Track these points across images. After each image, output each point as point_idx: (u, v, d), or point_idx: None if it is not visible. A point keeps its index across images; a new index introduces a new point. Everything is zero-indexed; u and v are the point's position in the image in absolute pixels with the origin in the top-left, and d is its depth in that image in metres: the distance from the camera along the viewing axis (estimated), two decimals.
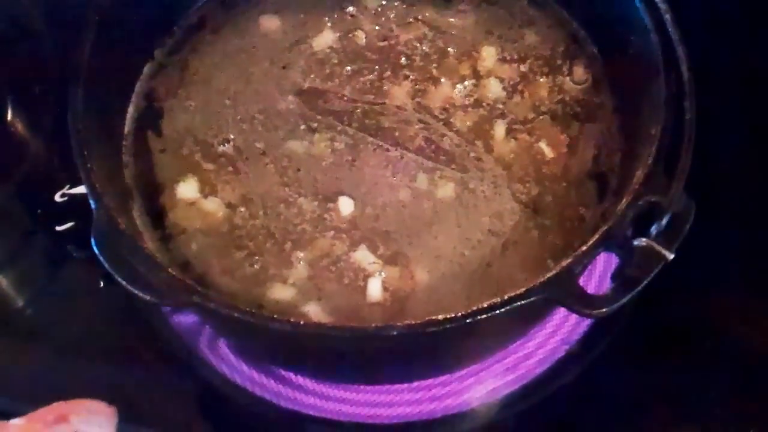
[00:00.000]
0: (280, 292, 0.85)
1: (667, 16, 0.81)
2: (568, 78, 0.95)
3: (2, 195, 1.10)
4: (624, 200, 0.76)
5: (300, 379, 0.96)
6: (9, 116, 1.12)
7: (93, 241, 0.77)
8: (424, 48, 0.98)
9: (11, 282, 1.09)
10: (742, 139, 1.01)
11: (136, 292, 0.74)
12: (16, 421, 0.50)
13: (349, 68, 0.98)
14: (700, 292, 0.94)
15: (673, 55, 0.80)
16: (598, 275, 0.97)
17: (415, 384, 0.95)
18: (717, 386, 0.90)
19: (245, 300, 0.84)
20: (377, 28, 1.00)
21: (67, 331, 1.02)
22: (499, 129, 0.92)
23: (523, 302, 0.72)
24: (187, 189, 0.90)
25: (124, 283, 0.74)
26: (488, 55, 0.97)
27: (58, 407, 0.51)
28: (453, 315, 0.71)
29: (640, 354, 0.94)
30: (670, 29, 0.81)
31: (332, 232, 0.88)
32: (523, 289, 0.72)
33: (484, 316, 0.71)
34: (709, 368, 0.91)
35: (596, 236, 0.75)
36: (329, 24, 1.01)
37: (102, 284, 1.02)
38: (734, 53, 1.03)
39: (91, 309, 1.03)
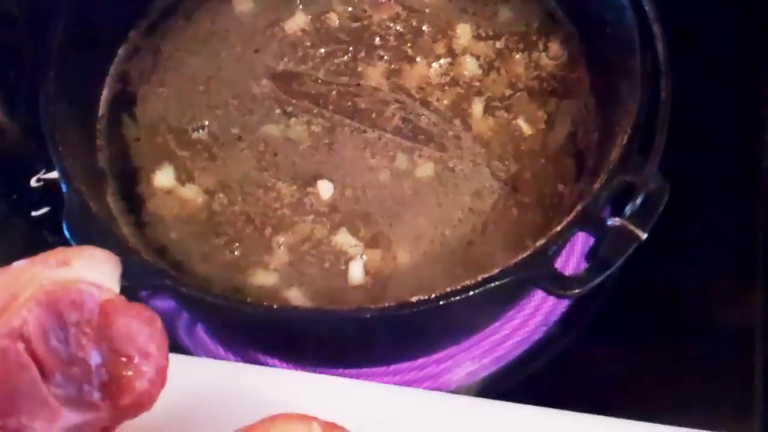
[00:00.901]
0: (262, 278, 0.84)
1: None
2: (543, 54, 0.95)
3: None
4: (598, 180, 0.76)
5: (277, 363, 0.96)
6: None
7: (64, 225, 0.76)
8: (398, 28, 0.98)
9: None
10: (719, 119, 1.00)
11: None
12: (18, 264, 0.50)
13: (322, 50, 0.97)
14: (680, 268, 0.93)
15: (649, 33, 0.79)
16: (578, 255, 0.96)
17: (393, 367, 0.95)
18: (698, 361, 0.90)
19: (227, 287, 0.83)
20: (350, 9, 0.99)
21: None
22: (477, 107, 0.92)
23: (496, 283, 0.72)
24: (164, 177, 0.89)
25: None
26: (463, 32, 0.96)
27: (60, 251, 0.51)
28: (426, 297, 0.71)
29: (621, 333, 0.94)
30: (646, 7, 0.81)
31: (312, 216, 0.87)
32: (497, 270, 0.72)
33: (458, 297, 0.71)
34: (690, 343, 0.91)
35: (570, 217, 0.75)
36: (301, 6, 1.00)
37: None
38: (712, 33, 1.03)
39: None
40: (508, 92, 0.93)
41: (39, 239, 1.06)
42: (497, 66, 0.95)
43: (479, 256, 0.85)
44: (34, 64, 1.08)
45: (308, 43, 0.98)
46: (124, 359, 0.52)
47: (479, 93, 0.93)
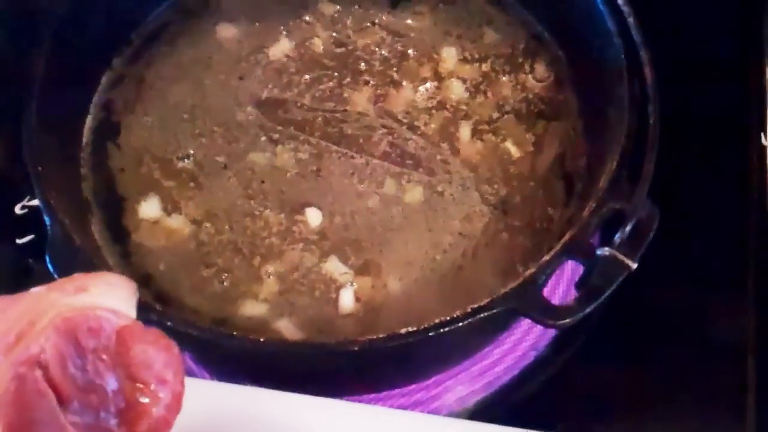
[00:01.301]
0: (252, 309, 0.83)
1: (631, 20, 0.81)
2: (530, 76, 0.95)
3: None
4: (587, 208, 0.76)
5: None
6: None
7: (48, 258, 0.76)
8: (382, 52, 0.97)
9: None
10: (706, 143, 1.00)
11: None
12: (35, 290, 0.50)
13: (307, 76, 0.96)
14: (671, 286, 0.93)
15: (636, 58, 0.79)
16: (566, 281, 0.96)
17: (383, 394, 0.94)
18: (690, 379, 0.90)
19: (216, 318, 0.82)
20: (334, 34, 0.99)
21: None
22: (464, 130, 0.91)
23: (486, 314, 0.72)
24: (150, 208, 0.88)
25: None
26: (449, 56, 0.96)
27: (78, 278, 0.51)
28: (415, 329, 0.71)
29: (612, 354, 0.93)
30: (633, 33, 0.80)
31: (301, 244, 0.86)
32: (486, 301, 0.72)
33: (447, 328, 0.71)
34: (682, 361, 0.91)
35: (559, 245, 0.74)
36: (285, 32, 0.99)
37: None
38: (699, 56, 1.03)
39: None
40: (495, 115, 0.93)
41: (24, 267, 1.05)
42: (484, 89, 0.95)
43: (470, 281, 0.85)
44: (17, 87, 1.07)
45: (293, 70, 0.97)
46: (140, 385, 0.52)
47: (466, 116, 0.93)
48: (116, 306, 0.53)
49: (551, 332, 0.94)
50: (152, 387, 0.52)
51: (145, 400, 0.52)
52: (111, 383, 0.51)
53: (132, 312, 0.55)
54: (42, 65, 0.86)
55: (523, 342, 0.95)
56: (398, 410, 0.82)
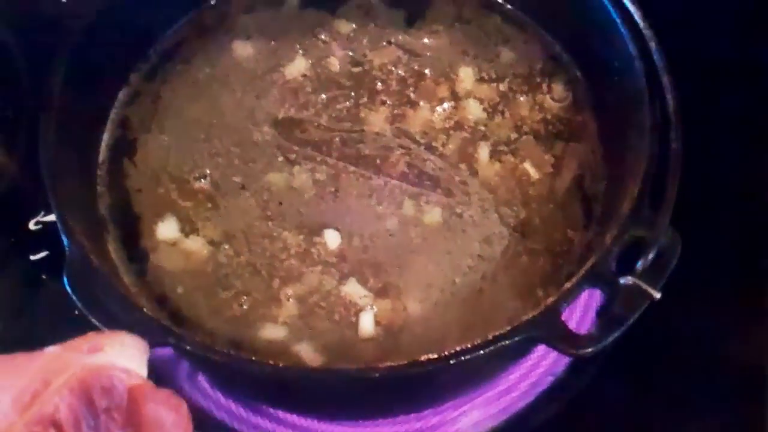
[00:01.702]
0: (271, 332, 0.83)
1: (653, 44, 0.80)
2: (548, 96, 0.94)
3: None
4: (608, 235, 0.75)
5: (279, 413, 0.94)
6: None
7: (66, 281, 0.75)
8: (399, 71, 0.97)
9: None
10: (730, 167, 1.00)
11: None
12: (50, 350, 0.50)
13: (323, 96, 0.96)
14: (688, 310, 0.93)
15: (659, 83, 0.79)
16: (582, 305, 0.96)
17: (400, 418, 0.94)
18: (707, 406, 0.90)
19: (235, 341, 0.82)
20: (350, 53, 0.98)
21: None
22: (483, 151, 0.91)
23: (507, 342, 0.71)
24: (168, 229, 0.88)
25: (98, 324, 0.72)
26: (466, 76, 0.96)
27: (92, 337, 0.52)
28: (437, 356, 0.71)
29: (630, 377, 0.93)
30: (655, 57, 0.80)
31: (320, 267, 0.86)
32: (508, 328, 0.72)
33: (468, 356, 0.71)
34: (699, 389, 0.91)
35: (581, 273, 0.74)
36: (301, 51, 0.99)
37: (77, 312, 0.99)
38: (722, 81, 1.02)
39: (67, 335, 0.99)
40: (513, 136, 0.93)
41: (38, 283, 1.04)
42: (501, 109, 0.94)
43: (490, 304, 0.85)
44: (32, 103, 1.07)
45: (309, 89, 0.97)
46: None
47: (485, 137, 0.92)
48: (129, 365, 0.54)
49: (567, 357, 0.94)
50: None
51: None
52: None
53: (143, 371, 0.55)
54: (60, 80, 0.85)
55: (540, 367, 0.95)
56: None
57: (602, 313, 0.75)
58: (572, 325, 0.87)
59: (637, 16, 0.82)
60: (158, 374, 0.91)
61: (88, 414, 0.49)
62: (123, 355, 0.52)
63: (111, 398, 0.50)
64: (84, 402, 0.48)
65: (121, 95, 0.96)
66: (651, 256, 0.72)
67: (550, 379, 0.94)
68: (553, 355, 0.94)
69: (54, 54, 0.87)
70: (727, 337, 0.92)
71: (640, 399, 0.92)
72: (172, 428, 0.51)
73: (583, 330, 0.92)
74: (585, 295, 0.93)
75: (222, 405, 0.96)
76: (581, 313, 0.96)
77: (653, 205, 0.75)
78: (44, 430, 0.47)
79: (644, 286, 0.71)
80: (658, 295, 0.71)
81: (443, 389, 0.88)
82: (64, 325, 0.95)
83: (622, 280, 0.72)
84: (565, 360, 0.94)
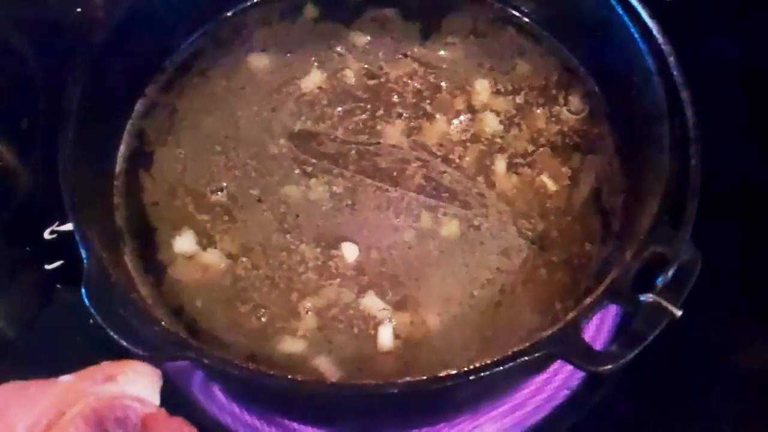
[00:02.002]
0: (290, 346, 0.83)
1: (671, 59, 0.80)
2: (564, 108, 0.94)
3: None
4: (628, 252, 0.75)
5: (294, 425, 0.94)
6: None
7: (84, 294, 0.74)
8: (415, 84, 0.97)
9: (1, 315, 1.05)
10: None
11: (129, 346, 0.71)
12: (65, 379, 0.50)
13: (339, 109, 0.96)
14: (705, 326, 0.92)
15: (677, 99, 0.79)
16: (596, 321, 0.96)
17: (413, 431, 0.93)
18: (727, 420, 0.90)
19: (254, 355, 0.82)
20: (366, 66, 0.99)
21: (57, 366, 0.99)
22: (500, 164, 0.91)
23: (527, 358, 0.71)
24: (185, 242, 0.88)
25: (116, 337, 0.71)
26: (482, 88, 0.96)
27: (106, 367, 0.52)
28: (455, 371, 0.70)
29: (645, 393, 0.93)
30: (674, 72, 0.80)
31: (338, 279, 0.86)
32: (527, 345, 0.71)
33: (487, 372, 0.70)
34: (719, 403, 0.90)
35: (601, 289, 0.74)
36: (316, 64, 0.99)
37: (91, 321, 0.99)
38: (741, 93, 1.02)
39: (81, 344, 0.99)
40: (530, 148, 0.93)
41: (52, 292, 1.04)
42: (518, 121, 0.95)
43: (508, 317, 0.85)
44: (47, 113, 1.07)
45: (325, 102, 0.97)
46: None
47: (501, 149, 0.93)
48: (142, 394, 0.54)
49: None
50: None
51: None
52: None
53: (156, 399, 0.55)
54: (78, 92, 0.86)
55: (555, 381, 0.95)
56: None
57: (622, 329, 0.75)
58: (587, 339, 0.86)
59: (655, 30, 0.82)
60: (173, 384, 0.92)
61: None
62: (136, 384, 0.52)
63: (125, 428, 0.50)
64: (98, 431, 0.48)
65: (138, 107, 0.96)
66: (671, 272, 0.72)
67: (566, 393, 0.94)
68: (569, 369, 0.94)
69: (70, 64, 0.87)
70: (746, 352, 0.92)
71: (657, 413, 0.91)
72: None
73: (597, 344, 0.92)
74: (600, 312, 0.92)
75: (237, 416, 0.96)
76: (596, 327, 0.96)
77: (672, 220, 0.75)
78: None
79: (665, 303, 0.71)
80: (679, 313, 0.71)
81: (460, 403, 0.88)
82: (78, 335, 0.97)
83: (642, 298, 0.72)
84: (581, 374, 0.93)
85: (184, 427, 0.52)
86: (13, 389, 0.50)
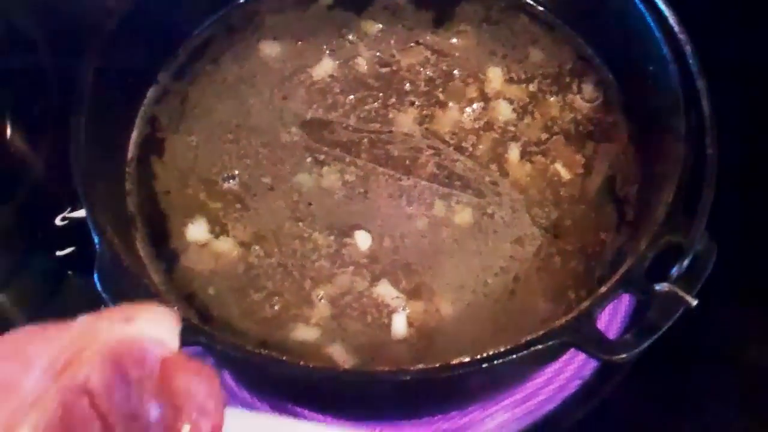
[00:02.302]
0: (304, 333, 0.83)
1: (688, 48, 0.80)
2: (578, 96, 0.94)
3: (1, 216, 1.06)
4: (643, 241, 0.75)
5: (305, 412, 0.94)
6: (8, 135, 1.08)
7: (96, 278, 0.75)
8: (427, 72, 0.97)
9: (11, 301, 1.05)
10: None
11: None
12: (82, 319, 0.50)
13: (351, 97, 0.96)
14: (719, 316, 0.92)
15: (693, 88, 0.78)
16: (609, 310, 0.95)
17: (424, 420, 0.93)
18: (740, 410, 0.89)
19: (267, 342, 0.82)
20: (378, 54, 0.98)
21: None
22: (513, 152, 0.91)
23: (540, 347, 0.71)
24: (198, 230, 0.88)
25: None
26: (495, 76, 0.95)
27: (125, 308, 0.51)
28: (469, 359, 0.70)
29: (658, 383, 0.92)
30: (690, 61, 0.80)
31: (351, 267, 0.86)
32: (541, 333, 0.71)
33: (501, 360, 0.70)
34: (733, 393, 0.90)
35: (615, 278, 0.74)
36: (328, 52, 0.99)
37: (103, 307, 0.99)
38: (755, 82, 1.02)
39: None
40: (543, 136, 0.92)
41: (64, 279, 1.04)
42: (531, 109, 0.94)
43: (522, 306, 0.84)
44: (59, 98, 1.06)
45: (337, 90, 0.96)
46: (182, 415, 0.52)
47: (515, 138, 0.92)
48: (161, 336, 0.53)
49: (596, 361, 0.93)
50: (193, 417, 0.52)
51: (186, 429, 0.51)
52: (154, 412, 0.51)
53: (175, 342, 0.55)
54: (91, 78, 0.85)
55: (567, 371, 0.95)
56: None
57: (636, 319, 0.75)
58: (600, 328, 0.86)
59: (671, 19, 0.82)
60: None
61: (119, 383, 0.49)
62: (155, 326, 0.52)
63: (143, 368, 0.50)
64: (116, 371, 0.49)
65: (150, 93, 0.96)
66: (686, 262, 0.72)
67: (578, 382, 0.93)
68: (581, 358, 0.93)
69: (81, 50, 0.87)
70: (762, 343, 0.92)
71: (670, 404, 0.91)
72: (205, 399, 0.51)
73: (610, 334, 0.92)
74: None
75: (248, 403, 0.95)
76: (609, 316, 0.95)
77: (687, 210, 0.75)
78: (77, 397, 0.47)
79: (680, 292, 0.71)
80: (694, 302, 0.71)
81: (472, 391, 0.88)
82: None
83: (657, 287, 0.72)
84: (593, 363, 0.93)
85: (203, 370, 0.52)
86: (31, 331, 0.50)
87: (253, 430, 0.71)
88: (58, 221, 1.04)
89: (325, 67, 0.98)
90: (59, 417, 0.47)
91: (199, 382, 0.53)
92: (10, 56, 1.08)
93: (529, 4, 1.00)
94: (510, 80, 0.96)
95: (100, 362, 0.49)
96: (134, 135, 0.93)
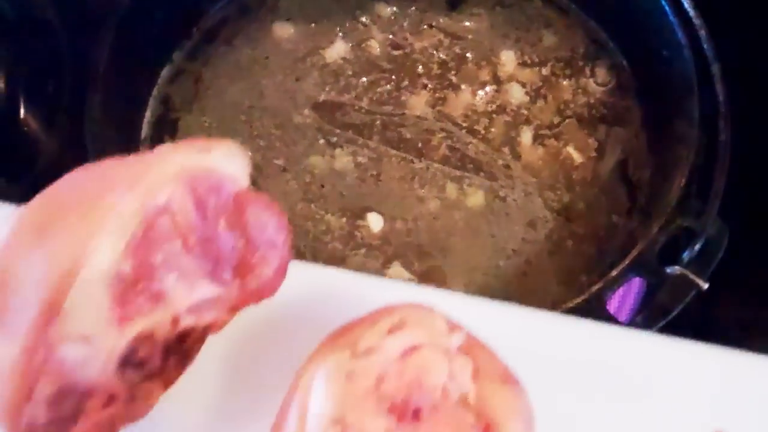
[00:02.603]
0: None
1: (702, 32, 0.80)
2: (591, 80, 0.94)
3: (14, 197, 1.06)
4: (655, 225, 0.76)
5: None
6: (22, 114, 1.08)
7: None
8: (440, 55, 0.97)
9: None
10: None
11: None
12: (162, 147, 0.52)
13: (364, 79, 0.96)
14: (726, 303, 0.92)
15: (707, 72, 0.78)
16: (619, 294, 0.95)
17: None
18: None
19: None
20: (391, 36, 0.98)
21: None
22: (526, 135, 0.91)
23: None
24: None
25: None
26: (508, 59, 0.95)
27: (202, 140, 0.53)
28: None
29: None
30: (704, 46, 0.80)
31: (364, 250, 0.86)
32: None
33: None
34: None
35: (626, 261, 0.74)
36: (341, 34, 0.98)
37: None
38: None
39: None
40: (556, 119, 0.92)
41: None
42: (544, 93, 0.94)
43: (533, 288, 0.85)
44: (73, 76, 1.06)
45: (350, 72, 0.96)
46: (253, 246, 0.53)
47: (527, 121, 0.92)
48: (234, 172, 0.54)
49: None
50: (263, 249, 0.53)
51: (257, 260, 0.53)
52: (227, 240, 0.52)
53: (245, 180, 0.56)
54: (105, 57, 0.86)
55: None
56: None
57: (646, 302, 0.75)
58: (611, 310, 0.86)
59: (686, 3, 0.82)
60: None
61: (197, 207, 0.51)
62: (229, 161, 0.53)
63: (218, 197, 0.51)
64: (195, 195, 0.50)
65: (164, 73, 0.96)
66: (698, 246, 0.72)
67: None
68: None
69: (96, 29, 0.87)
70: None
71: None
72: (274, 233, 0.53)
73: (621, 316, 0.92)
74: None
75: None
76: (619, 300, 0.96)
77: (699, 194, 0.75)
78: (159, 215, 0.49)
79: (691, 276, 0.71)
80: (705, 286, 0.71)
81: None
82: None
83: (669, 270, 0.72)
84: None
85: (273, 205, 0.54)
86: (112, 160, 0.51)
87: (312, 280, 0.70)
88: None
89: (338, 50, 0.98)
90: (142, 231, 0.48)
91: (270, 217, 0.54)
92: (24, 35, 1.08)
93: None
94: (523, 63, 0.96)
95: (180, 186, 0.50)
96: (148, 114, 0.94)
